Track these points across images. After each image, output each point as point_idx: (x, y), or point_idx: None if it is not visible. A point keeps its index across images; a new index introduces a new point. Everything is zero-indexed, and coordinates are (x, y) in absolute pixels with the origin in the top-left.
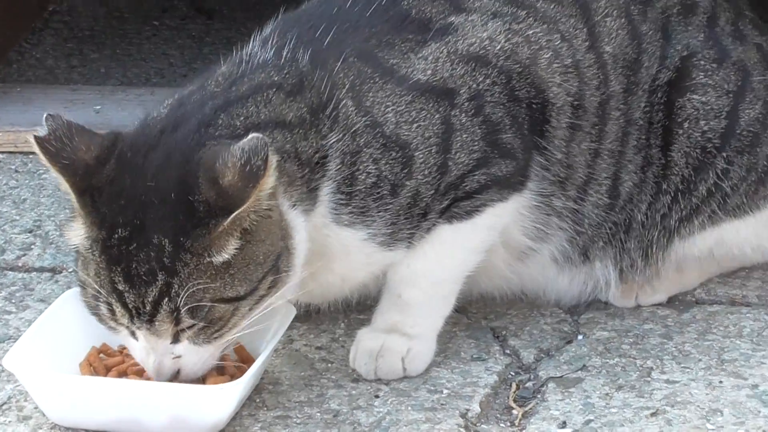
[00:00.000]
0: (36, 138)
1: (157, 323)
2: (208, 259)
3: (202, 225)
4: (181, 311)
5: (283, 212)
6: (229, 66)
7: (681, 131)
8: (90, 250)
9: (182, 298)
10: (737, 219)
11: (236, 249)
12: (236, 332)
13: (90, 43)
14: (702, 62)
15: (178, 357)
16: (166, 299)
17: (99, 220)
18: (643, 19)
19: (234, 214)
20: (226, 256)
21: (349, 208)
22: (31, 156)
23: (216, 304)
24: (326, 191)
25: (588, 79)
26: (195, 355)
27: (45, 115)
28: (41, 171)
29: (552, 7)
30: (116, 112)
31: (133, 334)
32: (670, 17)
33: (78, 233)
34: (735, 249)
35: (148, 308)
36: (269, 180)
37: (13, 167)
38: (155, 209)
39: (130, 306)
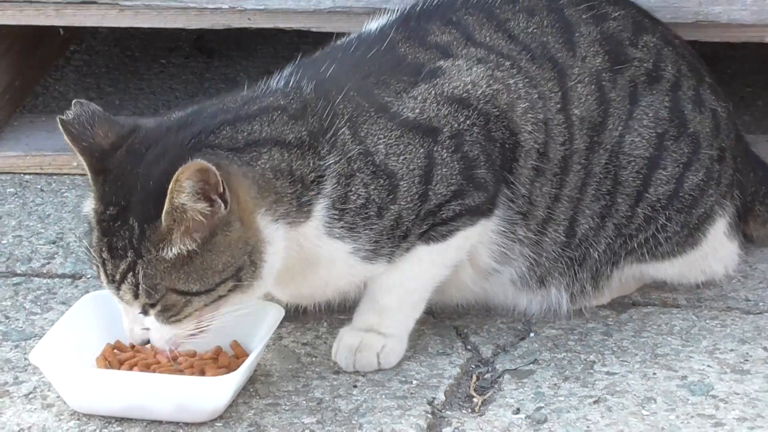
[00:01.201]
0: (61, 120)
1: (122, 292)
2: (160, 251)
3: (158, 216)
4: (140, 287)
5: (260, 228)
6: (250, 91)
7: (647, 194)
8: (93, 221)
9: (140, 277)
10: (665, 261)
11: (189, 251)
12: (196, 322)
13: (106, 79)
14: (669, 142)
15: (147, 329)
16: (131, 274)
17: (101, 197)
18: (612, 87)
19: (163, 212)
20: (174, 253)
21: (341, 223)
22: (54, 177)
23: (171, 292)
24: (321, 206)
25: (555, 135)
26: (158, 331)
27: (74, 101)
28: (63, 190)
29: (534, 68)
30: None
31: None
32: (636, 85)
33: (90, 205)
34: (660, 279)
35: (117, 278)
36: (179, 197)
37: (38, 186)
38: (137, 195)
39: (108, 273)
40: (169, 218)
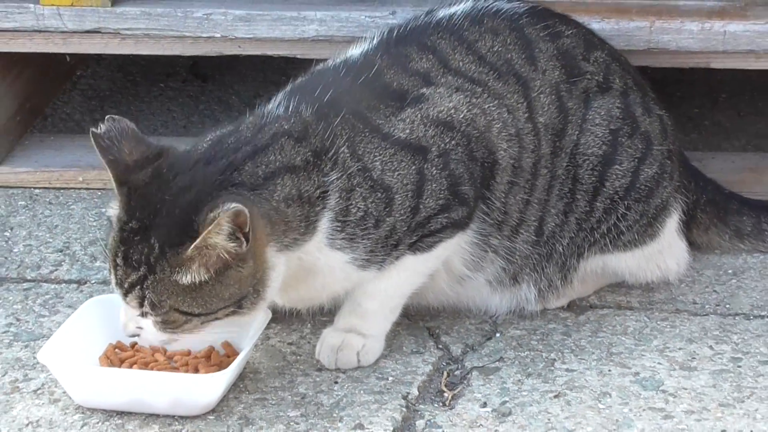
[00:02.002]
0: (93, 133)
1: (127, 299)
2: (175, 274)
3: (182, 243)
4: (146, 301)
5: (267, 259)
6: (254, 117)
7: (604, 189)
8: (115, 224)
9: (148, 292)
10: (626, 252)
11: (201, 281)
12: (189, 336)
13: (109, 101)
14: (623, 139)
15: (140, 328)
16: (139, 286)
17: (126, 207)
18: (569, 96)
19: (193, 245)
20: (188, 280)
21: (342, 234)
22: (61, 191)
23: (174, 311)
24: (325, 220)
25: (526, 144)
26: (152, 333)
27: (107, 117)
28: (70, 203)
29: (500, 85)
30: None
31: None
32: (589, 94)
33: (114, 209)
34: (620, 272)
35: (126, 286)
36: (215, 237)
37: (47, 200)
38: (162, 218)
39: (117, 278)
40: (196, 251)
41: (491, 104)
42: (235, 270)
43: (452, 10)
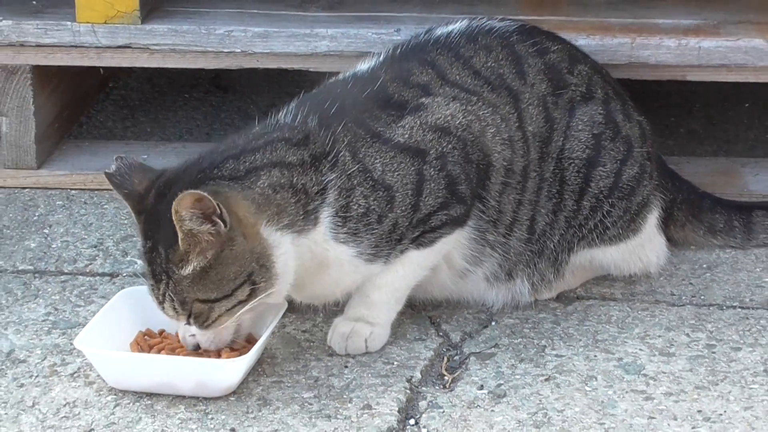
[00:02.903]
0: (106, 173)
1: (165, 308)
2: (181, 270)
3: (175, 242)
4: (176, 303)
5: (264, 237)
6: (261, 127)
7: (590, 189)
8: (141, 252)
9: (174, 294)
10: (611, 246)
11: (203, 266)
12: (226, 323)
13: (139, 110)
14: (606, 142)
15: (193, 335)
16: (168, 295)
17: (142, 233)
18: (555, 107)
19: (178, 239)
20: (190, 270)
21: (344, 229)
22: (95, 192)
23: (197, 302)
24: (326, 214)
25: (517, 149)
26: (203, 336)
27: (115, 157)
28: (103, 203)
29: (494, 96)
30: (158, 160)
31: None
32: (574, 104)
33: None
34: (606, 265)
35: (161, 298)
36: (187, 224)
37: (82, 200)
38: (162, 227)
39: (156, 295)
40: (185, 243)
41: (485, 111)
42: (228, 250)
43: (449, 28)
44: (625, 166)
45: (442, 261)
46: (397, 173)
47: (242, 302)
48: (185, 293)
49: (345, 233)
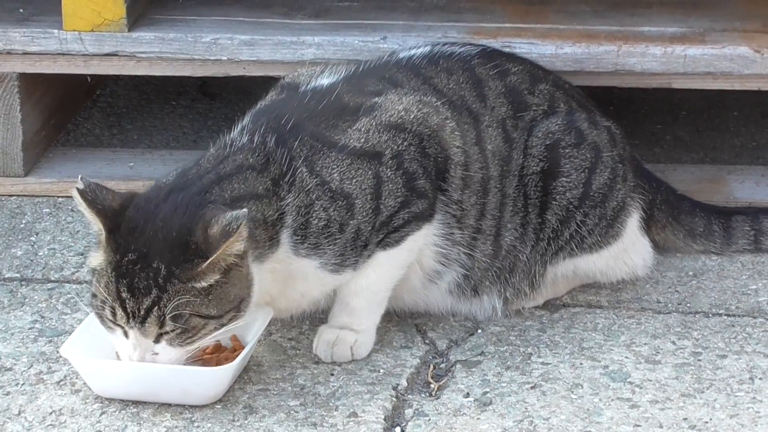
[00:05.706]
0: (78, 190)
1: (146, 325)
2: (192, 284)
3: (189, 260)
4: (166, 317)
5: (250, 268)
6: (216, 149)
7: (554, 202)
8: (105, 269)
9: (169, 308)
10: (593, 253)
11: (215, 281)
12: (201, 344)
13: (126, 118)
14: (566, 150)
15: (156, 354)
16: (156, 308)
17: (116, 248)
18: (514, 129)
19: (210, 259)
20: (206, 284)
21: (305, 244)
22: None
23: (193, 316)
24: (285, 235)
25: (473, 153)
26: (167, 354)
27: (80, 177)
28: None
29: (452, 114)
30: (145, 167)
31: (125, 333)
32: (535, 122)
33: (99, 258)
34: (591, 273)
35: (141, 313)
36: (238, 242)
37: (69, 208)
38: (158, 243)
39: (129, 310)
40: (210, 263)
41: (445, 106)
42: (236, 270)
43: (412, 52)
44: (593, 173)
45: (415, 262)
46: (355, 180)
47: (224, 326)
48: (185, 307)
49: (306, 248)
